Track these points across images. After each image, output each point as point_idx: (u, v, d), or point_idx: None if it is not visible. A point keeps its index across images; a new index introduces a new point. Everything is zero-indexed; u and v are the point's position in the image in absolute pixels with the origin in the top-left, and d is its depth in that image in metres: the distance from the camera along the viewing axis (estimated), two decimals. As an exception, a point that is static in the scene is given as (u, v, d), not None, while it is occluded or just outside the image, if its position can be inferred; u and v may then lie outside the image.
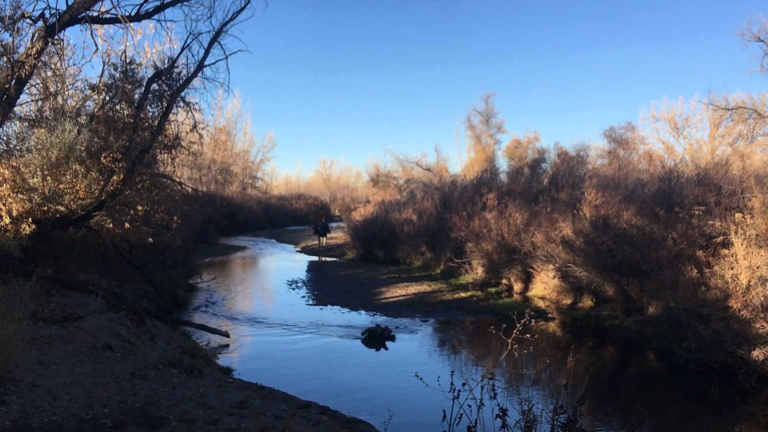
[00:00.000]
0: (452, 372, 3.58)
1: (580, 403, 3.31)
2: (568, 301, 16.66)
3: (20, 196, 12.27)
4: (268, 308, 17.73)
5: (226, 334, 13.46)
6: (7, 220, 11.35)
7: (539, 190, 21.87)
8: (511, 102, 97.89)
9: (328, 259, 30.43)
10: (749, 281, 11.27)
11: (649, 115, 36.43)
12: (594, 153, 32.96)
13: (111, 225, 13.99)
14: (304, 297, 19.04)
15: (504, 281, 19.53)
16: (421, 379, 4.03)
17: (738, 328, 10.79)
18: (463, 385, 3.47)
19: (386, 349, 13.02)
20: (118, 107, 16.18)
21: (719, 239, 12.88)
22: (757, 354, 10.32)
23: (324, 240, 35.24)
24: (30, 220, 11.93)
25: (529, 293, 18.36)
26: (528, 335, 4.24)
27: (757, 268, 11.33)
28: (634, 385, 11.04)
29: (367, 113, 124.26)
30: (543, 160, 32.16)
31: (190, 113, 15.97)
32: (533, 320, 3.94)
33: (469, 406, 3.37)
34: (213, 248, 32.09)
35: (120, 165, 13.90)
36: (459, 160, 65.26)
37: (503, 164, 42.38)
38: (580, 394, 3.54)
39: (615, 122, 66.75)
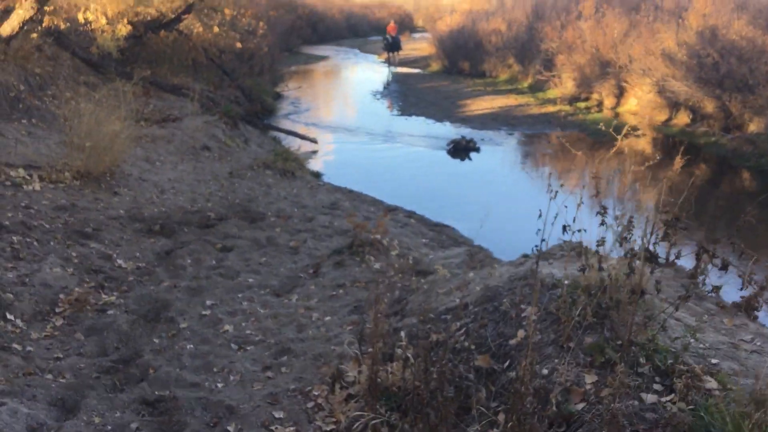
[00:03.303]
0: (549, 174, 3.59)
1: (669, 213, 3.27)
2: (662, 117, 16.00)
3: (113, -3, 12.38)
4: (353, 117, 17.93)
5: (315, 141, 13.81)
6: (103, 21, 11.57)
7: (642, -3, 20.25)
8: None
9: (411, 70, 29.90)
10: None
11: None
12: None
13: (200, 29, 14.08)
14: (388, 107, 19.07)
15: (595, 96, 18.81)
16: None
17: None
18: (562, 185, 3.49)
19: (470, 160, 13.14)
20: None
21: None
22: None
23: (396, 55, 30.77)
24: (125, 20, 12.13)
25: (621, 108, 17.69)
26: (615, 150, 4.08)
27: None
28: (724, 202, 10.86)
29: None
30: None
31: None
32: (618, 135, 3.70)
33: (566, 207, 3.40)
34: (296, 57, 31.91)
35: (205, -33, 13.69)
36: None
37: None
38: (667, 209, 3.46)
39: None
